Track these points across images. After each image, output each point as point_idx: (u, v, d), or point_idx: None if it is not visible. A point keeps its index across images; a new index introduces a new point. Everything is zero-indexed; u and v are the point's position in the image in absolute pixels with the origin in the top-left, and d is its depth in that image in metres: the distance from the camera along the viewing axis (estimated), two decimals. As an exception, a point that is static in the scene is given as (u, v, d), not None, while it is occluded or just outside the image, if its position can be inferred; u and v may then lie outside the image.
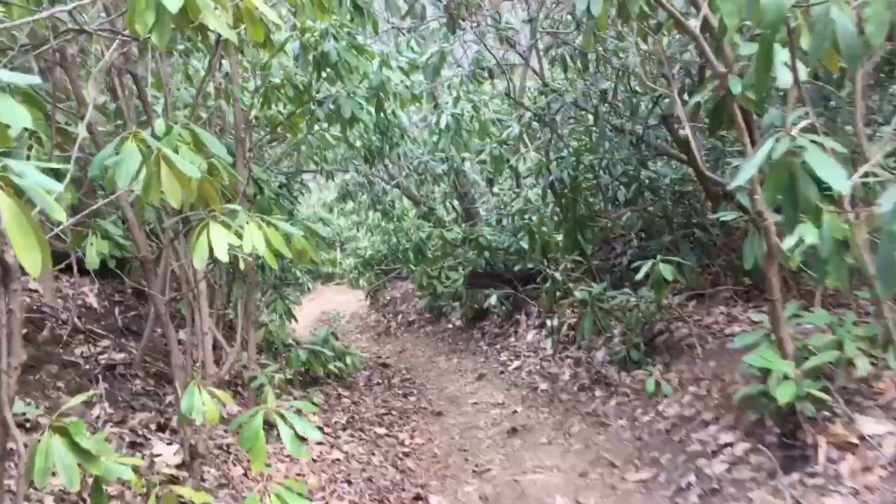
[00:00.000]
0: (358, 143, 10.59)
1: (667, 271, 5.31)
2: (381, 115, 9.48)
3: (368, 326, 14.46)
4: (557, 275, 7.60)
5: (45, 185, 1.66)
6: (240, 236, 3.12)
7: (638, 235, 7.44)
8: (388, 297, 15.46)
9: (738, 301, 6.10)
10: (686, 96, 5.69)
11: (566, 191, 6.29)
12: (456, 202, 12.26)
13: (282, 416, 3.05)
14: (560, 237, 6.84)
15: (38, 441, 2.44)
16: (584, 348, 7.02)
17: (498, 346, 8.76)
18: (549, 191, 6.58)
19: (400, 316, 13.63)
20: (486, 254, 9.61)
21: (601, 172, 6.27)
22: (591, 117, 6.69)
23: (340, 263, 20.49)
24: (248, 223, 3.20)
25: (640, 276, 5.40)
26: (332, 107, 6.21)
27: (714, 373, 5.12)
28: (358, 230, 19.81)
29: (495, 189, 10.15)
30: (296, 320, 8.23)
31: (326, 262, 20.27)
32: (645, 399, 5.40)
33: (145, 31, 1.97)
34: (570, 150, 6.50)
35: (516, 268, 9.07)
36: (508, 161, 9.21)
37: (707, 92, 4.01)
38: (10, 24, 2.15)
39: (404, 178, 12.67)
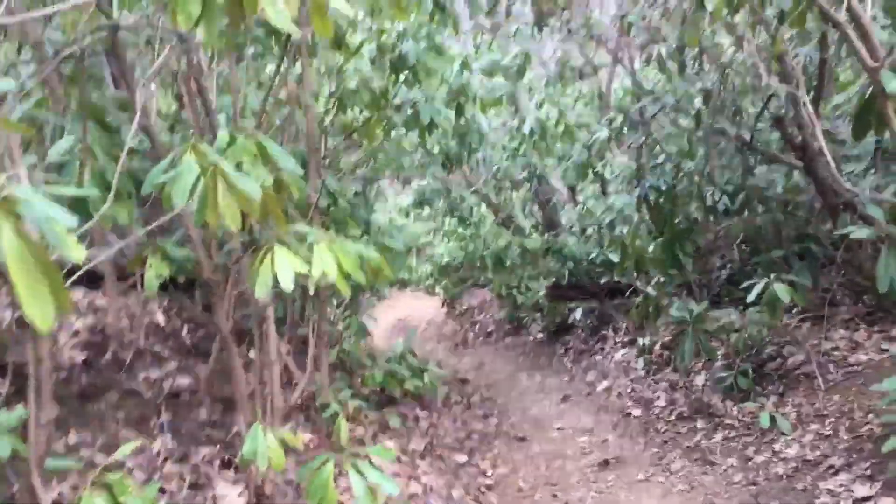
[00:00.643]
0: (436, 150, 10.26)
1: (783, 292, 4.72)
2: (461, 119, 9.14)
3: (445, 336, 14.10)
4: (650, 290, 7.05)
5: (56, 217, 1.32)
6: (309, 260, 2.78)
7: (739, 248, 6.81)
8: (466, 306, 15.06)
9: (861, 325, 5.43)
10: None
11: (662, 200, 5.74)
12: (537, 209, 11.77)
13: (355, 467, 2.69)
14: (653, 249, 6.28)
15: (79, 500, 2.14)
16: (682, 371, 6.44)
17: (584, 364, 8.24)
18: (642, 200, 6.03)
19: (478, 326, 13.22)
20: (570, 264, 9.08)
21: (701, 180, 5.70)
22: (688, 120, 6.12)
23: (416, 270, 20.23)
24: (317, 244, 2.86)
25: (752, 296, 4.81)
26: (410, 112, 5.86)
27: (840, 409, 4.51)
28: (434, 236, 19.50)
29: (579, 197, 9.61)
30: (370, 336, 7.91)
31: (403, 268, 20.01)
32: (757, 435, 4.81)
33: (189, 23, 1.62)
34: (668, 155, 5.94)
35: (602, 280, 8.53)
36: (594, 168, 8.69)
37: (853, 91, 3.44)
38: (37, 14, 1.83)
39: (483, 185, 12.27)
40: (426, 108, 5.78)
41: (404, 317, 16.76)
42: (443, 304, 16.47)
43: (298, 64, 4.93)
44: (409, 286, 21.43)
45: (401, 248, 6.35)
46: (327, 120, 6.96)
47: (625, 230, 7.85)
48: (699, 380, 6.10)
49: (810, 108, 3.54)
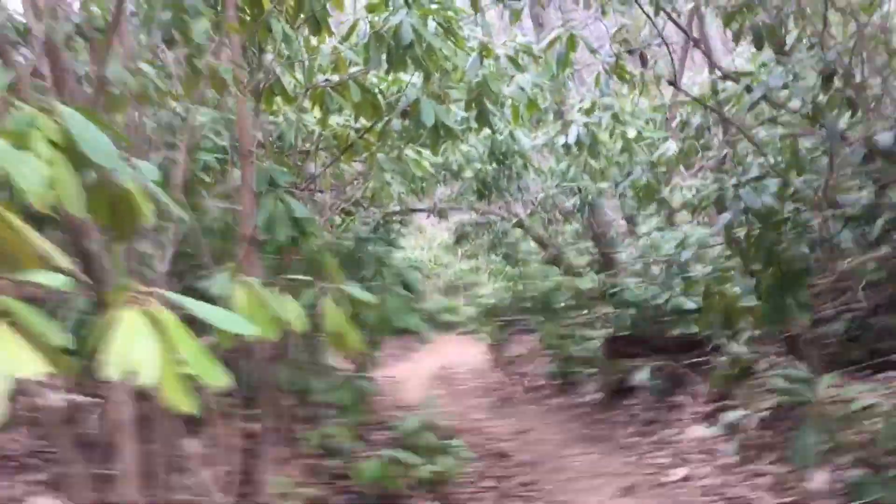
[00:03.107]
0: (468, 174, 8.74)
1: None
2: (496, 135, 7.55)
3: (489, 388, 12.43)
4: (739, 346, 5.33)
5: None
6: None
7: (864, 293, 5.04)
8: (513, 354, 13.40)
9: None
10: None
11: (760, 229, 4.05)
12: (591, 244, 10.09)
13: None
14: (746, 295, 4.58)
15: None
16: (796, 469, 4.69)
17: (652, 440, 6.48)
18: (730, 230, 4.32)
19: (526, 379, 11.51)
20: (632, 311, 7.37)
21: (821, 200, 3.98)
22: (794, 117, 4.45)
23: (456, 311, 18.63)
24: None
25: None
26: (408, 111, 4.36)
27: None
28: (479, 275, 17.95)
29: (642, 228, 7.90)
30: (368, 413, 6.20)
31: (447, 309, 18.55)
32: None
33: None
34: (767, 168, 4.25)
35: (673, 332, 6.81)
36: (658, 192, 7.04)
37: None
38: None
39: (528, 216, 10.68)
40: (428, 106, 4.24)
41: (446, 364, 15.16)
42: (489, 352, 14.90)
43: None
44: (455, 329, 19.90)
45: (401, 293, 4.81)
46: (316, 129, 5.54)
47: (701, 270, 6.15)
48: (820, 479, 4.33)
49: None
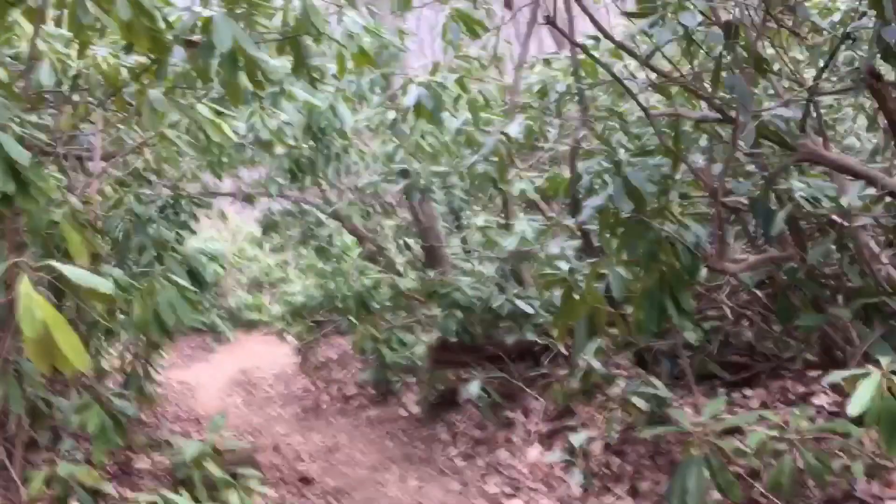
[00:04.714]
0: (279, 150, 7.49)
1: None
2: (315, 106, 6.46)
3: (294, 396, 11.18)
4: (589, 359, 4.62)
5: None
6: None
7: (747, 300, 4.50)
8: (323, 358, 12.21)
9: None
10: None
11: (637, 215, 3.26)
12: (415, 239, 9.18)
13: None
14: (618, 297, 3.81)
15: None
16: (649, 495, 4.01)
17: (481, 463, 5.64)
18: (601, 217, 3.49)
19: (336, 387, 10.38)
20: (460, 314, 6.50)
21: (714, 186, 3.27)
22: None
23: (261, 309, 17.16)
24: None
25: (856, 407, 2.38)
26: (192, 39, 3.15)
27: None
28: (288, 271, 16.60)
29: (477, 221, 7.04)
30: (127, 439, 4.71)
31: (250, 307, 16.99)
32: None
33: None
34: (637, 146, 3.47)
35: (509, 339, 6.03)
36: (496, 182, 6.26)
37: None
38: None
39: (346, 206, 9.57)
40: (224, 26, 3.05)
41: (247, 368, 13.68)
42: (296, 354, 13.63)
43: None
44: (259, 328, 18.30)
45: (179, 283, 3.56)
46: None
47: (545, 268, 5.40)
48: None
49: None
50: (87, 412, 3.51)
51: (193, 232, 7.00)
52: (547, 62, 4.90)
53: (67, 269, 1.96)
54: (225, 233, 17.33)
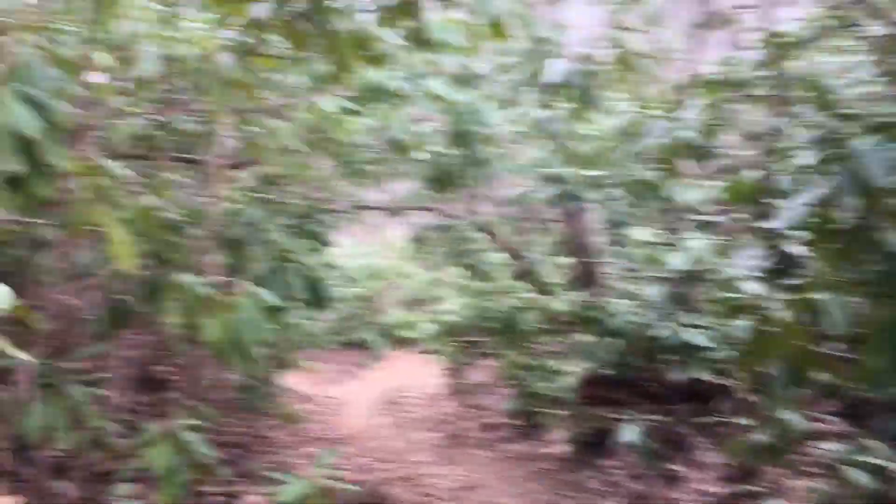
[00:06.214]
0: (421, 156, 6.92)
1: None
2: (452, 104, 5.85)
3: (440, 421, 10.61)
4: (785, 412, 3.58)
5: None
6: None
7: None
8: (472, 381, 11.57)
9: None
10: None
11: (868, 218, 2.28)
12: (569, 256, 8.26)
13: None
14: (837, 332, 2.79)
15: None
16: None
17: (639, 524, 4.69)
18: (811, 222, 2.52)
19: (481, 414, 9.72)
20: (620, 342, 5.56)
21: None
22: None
23: (415, 327, 16.84)
24: None
25: None
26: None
27: None
28: (443, 288, 16.16)
29: (639, 235, 6.06)
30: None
31: (405, 324, 16.81)
32: None
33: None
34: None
35: (674, 376, 5.03)
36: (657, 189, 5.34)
37: None
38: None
39: (497, 220, 8.87)
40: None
41: (396, 387, 13.35)
42: (444, 376, 13.12)
43: None
44: (411, 346, 18.05)
45: (262, 299, 2.98)
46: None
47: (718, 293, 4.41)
48: None
49: None
50: (157, 447, 2.98)
51: (328, 244, 6.54)
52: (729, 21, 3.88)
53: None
54: (378, 247, 17.31)
